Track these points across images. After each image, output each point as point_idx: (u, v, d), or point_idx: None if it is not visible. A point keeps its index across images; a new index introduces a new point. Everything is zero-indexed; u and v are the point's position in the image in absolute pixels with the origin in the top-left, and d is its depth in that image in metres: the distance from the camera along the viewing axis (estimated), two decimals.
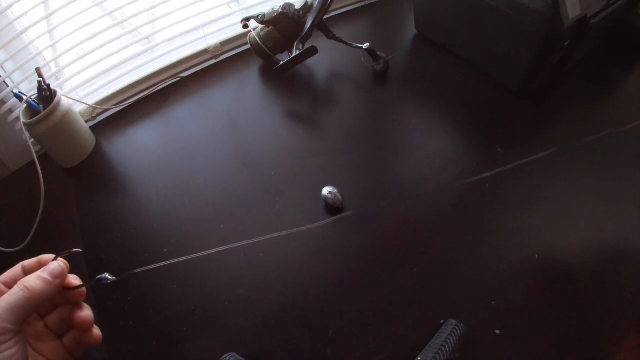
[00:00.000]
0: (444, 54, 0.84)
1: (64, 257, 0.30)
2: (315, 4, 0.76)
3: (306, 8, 0.78)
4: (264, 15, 0.78)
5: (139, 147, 0.73)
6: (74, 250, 0.31)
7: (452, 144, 0.69)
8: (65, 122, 0.65)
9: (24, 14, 0.66)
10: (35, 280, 0.28)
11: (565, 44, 0.67)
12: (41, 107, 0.64)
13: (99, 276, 0.32)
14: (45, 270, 0.29)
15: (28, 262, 0.31)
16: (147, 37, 0.82)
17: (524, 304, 0.50)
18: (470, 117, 0.73)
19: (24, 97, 0.63)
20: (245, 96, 0.81)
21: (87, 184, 0.68)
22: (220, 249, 0.39)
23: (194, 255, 0.37)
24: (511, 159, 0.65)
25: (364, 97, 0.80)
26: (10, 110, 0.69)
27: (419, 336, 0.47)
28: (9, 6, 0.63)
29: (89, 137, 0.73)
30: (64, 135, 0.67)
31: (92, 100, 0.77)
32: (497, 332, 0.48)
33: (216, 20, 0.86)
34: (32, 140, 0.65)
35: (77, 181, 0.69)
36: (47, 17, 0.69)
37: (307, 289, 0.53)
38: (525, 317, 0.49)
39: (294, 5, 0.78)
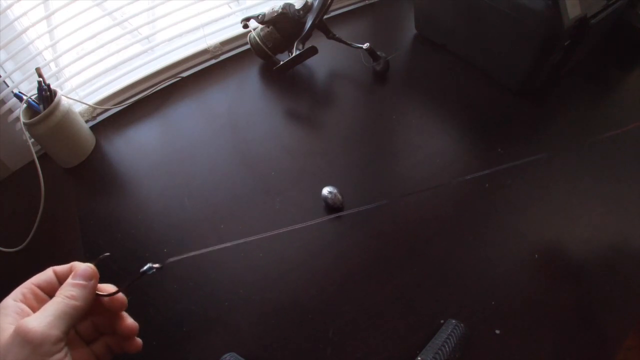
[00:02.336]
0: (444, 54, 0.84)
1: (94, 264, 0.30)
2: (315, 4, 0.76)
3: (306, 8, 0.78)
4: (264, 15, 0.78)
5: (139, 147, 0.73)
6: (103, 255, 0.30)
7: (452, 144, 0.69)
8: (65, 122, 0.65)
9: (24, 14, 0.66)
10: (71, 288, 0.27)
11: (565, 44, 0.67)
12: (41, 107, 0.64)
13: (142, 269, 0.30)
14: (75, 276, 0.28)
15: (60, 268, 0.30)
16: (147, 37, 0.82)
17: (524, 304, 0.50)
18: (470, 117, 0.73)
19: (24, 97, 0.63)
20: (245, 96, 0.81)
21: (87, 184, 0.68)
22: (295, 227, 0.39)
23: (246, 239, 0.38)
24: (511, 159, 0.65)
25: (364, 97, 0.80)
26: (10, 110, 0.69)
27: (419, 336, 0.47)
28: (9, 6, 0.63)
29: (89, 137, 0.73)
30: (64, 135, 0.67)
31: (92, 100, 0.77)
32: (497, 332, 0.48)
33: (216, 20, 0.86)
34: (32, 140, 0.65)
35: (77, 181, 0.69)
36: (47, 17, 0.69)
37: (307, 289, 0.53)
38: (525, 317, 0.49)
39: (294, 5, 0.78)
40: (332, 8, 0.84)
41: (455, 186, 0.63)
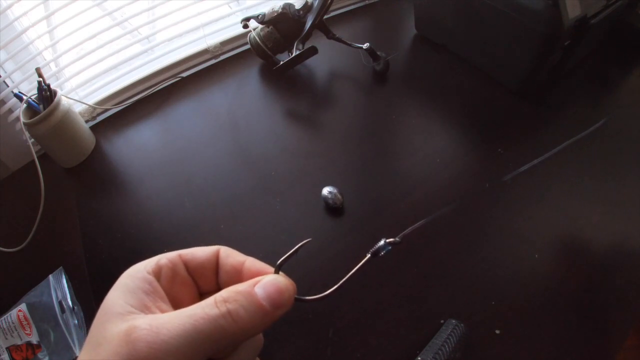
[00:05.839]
0: (444, 54, 0.84)
1: (288, 259, 0.21)
2: (315, 4, 0.76)
3: (306, 8, 0.78)
4: (264, 15, 0.78)
5: (139, 147, 0.73)
6: (304, 242, 0.23)
7: (452, 144, 0.69)
8: (65, 122, 0.65)
9: (24, 14, 0.66)
10: (246, 307, 0.17)
11: (565, 44, 0.67)
12: (41, 107, 0.64)
13: (375, 248, 0.22)
14: (264, 290, 0.18)
15: (232, 254, 0.21)
16: (147, 37, 0.83)
17: (524, 304, 0.50)
18: (470, 117, 0.73)
19: (24, 97, 0.63)
20: (245, 96, 0.81)
21: (87, 184, 0.68)
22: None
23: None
24: (511, 159, 0.65)
25: (364, 97, 0.80)
26: (10, 110, 0.69)
27: (419, 336, 0.47)
28: (9, 6, 0.63)
29: (89, 137, 0.73)
30: (64, 135, 0.67)
31: (92, 100, 0.77)
32: (497, 332, 0.48)
33: (216, 20, 0.86)
34: (32, 140, 0.65)
35: (77, 181, 0.69)
36: (47, 17, 0.69)
37: (306, 289, 0.53)
38: (525, 317, 0.49)
39: (294, 5, 0.78)
40: (332, 8, 0.84)
41: (455, 186, 0.63)
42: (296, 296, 0.20)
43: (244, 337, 0.18)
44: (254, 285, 0.19)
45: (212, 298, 0.18)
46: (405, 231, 0.24)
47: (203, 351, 0.16)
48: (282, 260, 0.22)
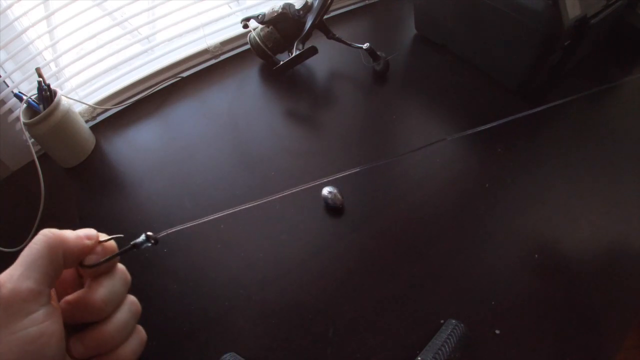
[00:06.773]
0: (444, 54, 0.84)
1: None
2: (315, 4, 0.76)
3: (306, 8, 0.78)
4: (264, 15, 0.78)
5: (139, 147, 0.73)
6: (115, 236, 0.26)
7: (452, 143, 0.69)
8: (65, 122, 0.65)
9: (24, 14, 0.66)
10: (61, 230, 0.23)
11: (565, 44, 0.67)
12: (41, 107, 0.64)
13: (135, 241, 0.26)
14: (78, 231, 0.24)
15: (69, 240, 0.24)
16: (147, 37, 0.83)
17: (524, 304, 0.50)
18: (470, 117, 0.73)
19: (24, 97, 0.63)
20: (245, 96, 0.81)
21: (87, 184, 0.68)
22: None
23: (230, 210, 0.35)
24: (511, 159, 0.65)
25: (364, 97, 0.80)
26: (10, 110, 0.69)
27: (419, 336, 0.47)
28: (9, 6, 0.63)
29: (89, 137, 0.73)
30: (64, 135, 0.67)
31: (92, 100, 0.77)
32: (497, 332, 0.48)
33: (216, 20, 0.86)
34: (32, 140, 0.65)
35: (77, 181, 0.69)
36: (47, 17, 0.69)
37: (307, 289, 0.53)
38: (525, 317, 0.49)
39: (294, 5, 0.78)
40: (332, 8, 0.84)
41: (455, 186, 0.63)
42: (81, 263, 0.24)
43: (67, 246, 0.22)
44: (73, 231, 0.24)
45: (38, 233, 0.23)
46: (164, 232, 0.28)
47: (44, 269, 0.21)
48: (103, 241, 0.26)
